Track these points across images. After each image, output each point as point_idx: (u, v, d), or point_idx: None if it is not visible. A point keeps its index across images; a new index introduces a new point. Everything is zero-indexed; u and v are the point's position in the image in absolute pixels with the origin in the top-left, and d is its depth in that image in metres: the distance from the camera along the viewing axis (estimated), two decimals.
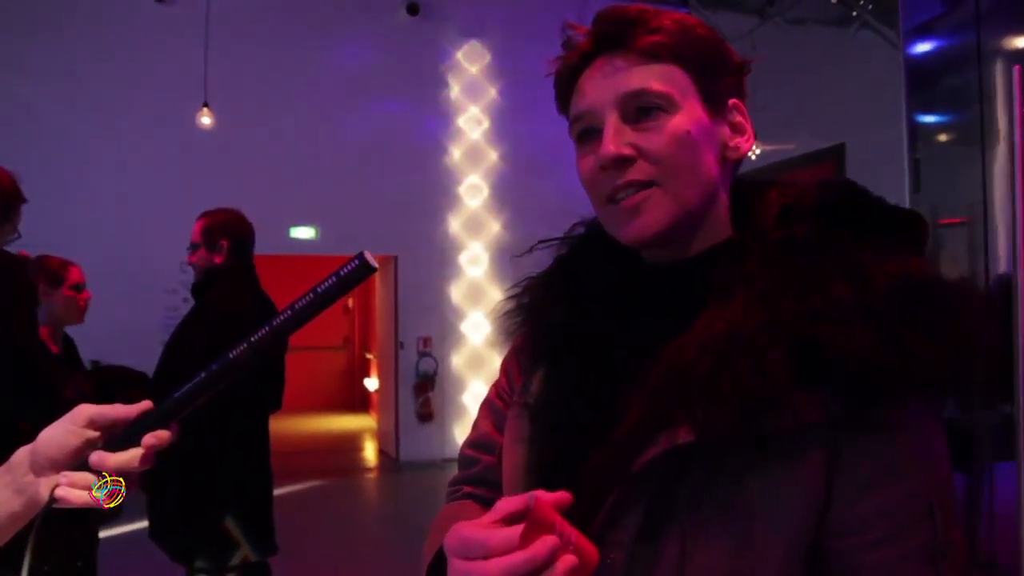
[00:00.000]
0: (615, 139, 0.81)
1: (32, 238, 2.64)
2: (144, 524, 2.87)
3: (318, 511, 6.37)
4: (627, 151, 0.81)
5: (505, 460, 0.91)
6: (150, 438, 0.80)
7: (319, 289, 0.76)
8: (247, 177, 7.50)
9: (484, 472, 0.99)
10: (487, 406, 1.03)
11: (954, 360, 0.71)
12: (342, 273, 0.75)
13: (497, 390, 1.03)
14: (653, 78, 0.81)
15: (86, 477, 0.80)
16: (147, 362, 3.01)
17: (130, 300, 6.58)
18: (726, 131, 0.86)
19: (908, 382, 0.71)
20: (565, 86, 0.88)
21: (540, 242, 0.99)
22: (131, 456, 0.79)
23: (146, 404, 0.82)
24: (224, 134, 7.48)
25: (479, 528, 0.65)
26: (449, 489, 1.04)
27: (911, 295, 0.73)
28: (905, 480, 0.73)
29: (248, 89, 7.76)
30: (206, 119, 7.20)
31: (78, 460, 0.81)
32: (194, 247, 2.92)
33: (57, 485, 0.79)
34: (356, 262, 0.75)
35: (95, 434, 0.82)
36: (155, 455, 0.81)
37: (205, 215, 2.95)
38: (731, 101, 0.87)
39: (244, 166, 7.63)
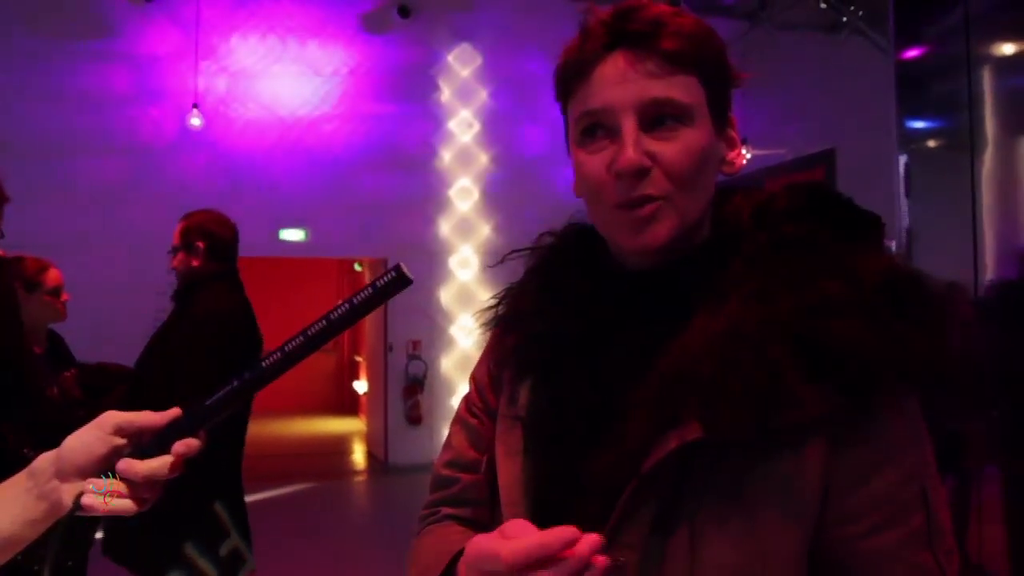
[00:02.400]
0: (636, 147, 0.79)
1: (20, 239, 2.62)
2: None
3: (307, 514, 6.35)
4: (647, 162, 0.79)
5: (500, 475, 0.91)
6: (180, 446, 0.79)
7: (355, 300, 0.75)
8: (237, 179, 7.49)
9: (463, 491, 0.98)
10: (459, 423, 1.02)
11: (938, 347, 0.74)
12: (378, 284, 0.74)
13: (468, 405, 1.01)
14: (677, 87, 0.79)
15: (113, 485, 0.80)
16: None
17: (119, 302, 6.54)
18: (723, 145, 0.86)
19: (899, 370, 0.74)
20: (574, 74, 0.84)
21: (512, 252, 0.99)
22: (160, 463, 0.79)
23: (175, 412, 0.82)
24: (214, 136, 7.45)
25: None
26: (425, 512, 1.01)
27: (897, 288, 0.75)
28: (899, 465, 0.76)
29: (238, 90, 7.73)
30: (196, 120, 7.18)
31: (104, 467, 0.81)
32: (174, 250, 2.85)
33: (82, 492, 0.79)
34: (392, 274, 0.74)
35: (122, 441, 0.81)
36: (184, 463, 0.81)
37: (184, 217, 2.87)
38: (728, 113, 0.87)
39: (234, 168, 7.60)
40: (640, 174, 0.79)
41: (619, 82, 0.80)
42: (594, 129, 0.83)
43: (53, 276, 2.88)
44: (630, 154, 0.78)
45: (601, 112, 0.81)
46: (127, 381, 2.86)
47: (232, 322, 2.74)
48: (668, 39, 0.79)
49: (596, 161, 0.82)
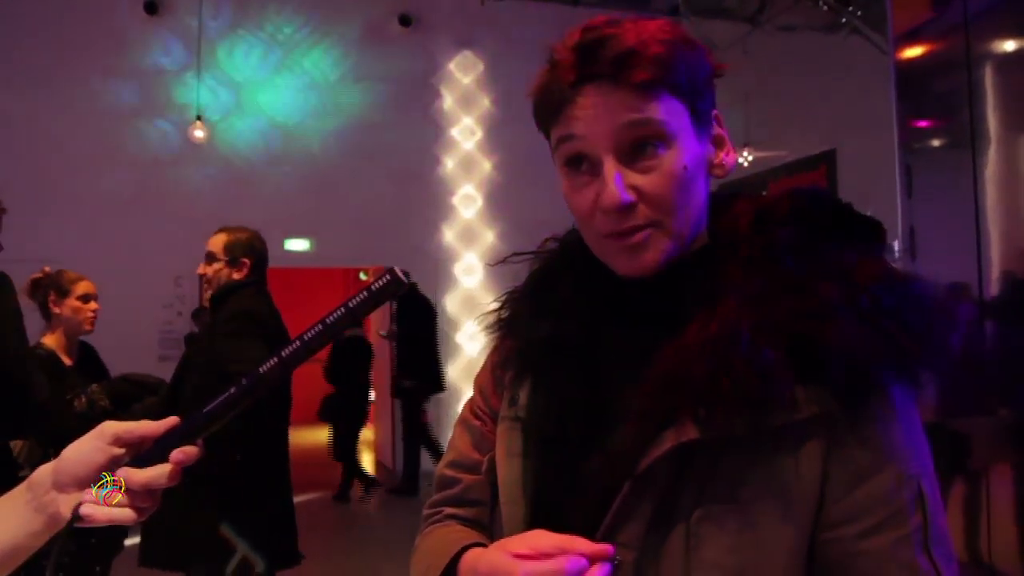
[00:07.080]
0: (618, 184, 0.78)
1: (26, 252, 2.64)
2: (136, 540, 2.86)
3: (315, 523, 6.34)
4: (630, 197, 0.79)
5: (500, 474, 0.92)
6: (178, 454, 0.79)
7: (350, 304, 0.76)
8: (240, 190, 7.51)
9: (465, 492, 0.99)
10: (463, 425, 1.03)
11: (932, 348, 0.75)
12: (373, 288, 0.75)
13: (472, 408, 1.03)
14: (650, 111, 0.78)
15: (111, 494, 0.79)
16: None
17: (125, 314, 6.55)
18: (711, 148, 0.86)
19: (894, 372, 0.75)
20: (551, 111, 0.83)
21: (514, 255, 1.00)
22: (159, 472, 0.79)
23: (173, 420, 0.82)
24: (218, 146, 7.47)
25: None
26: (428, 511, 1.02)
27: (891, 292, 0.76)
28: (895, 466, 0.76)
29: (240, 101, 7.76)
30: (199, 132, 7.20)
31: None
32: (211, 258, 2.95)
33: (81, 502, 0.79)
34: (387, 277, 0.74)
35: (120, 451, 0.82)
36: (182, 471, 0.80)
37: (225, 230, 3.00)
38: (712, 112, 0.86)
39: (237, 179, 7.62)
40: (625, 209, 0.79)
41: (594, 116, 0.79)
42: (578, 161, 0.82)
43: (84, 285, 2.99)
44: (613, 192, 0.78)
45: (579, 139, 0.81)
46: (154, 391, 2.93)
47: (260, 316, 2.85)
48: (638, 70, 0.77)
49: (582, 197, 0.83)
